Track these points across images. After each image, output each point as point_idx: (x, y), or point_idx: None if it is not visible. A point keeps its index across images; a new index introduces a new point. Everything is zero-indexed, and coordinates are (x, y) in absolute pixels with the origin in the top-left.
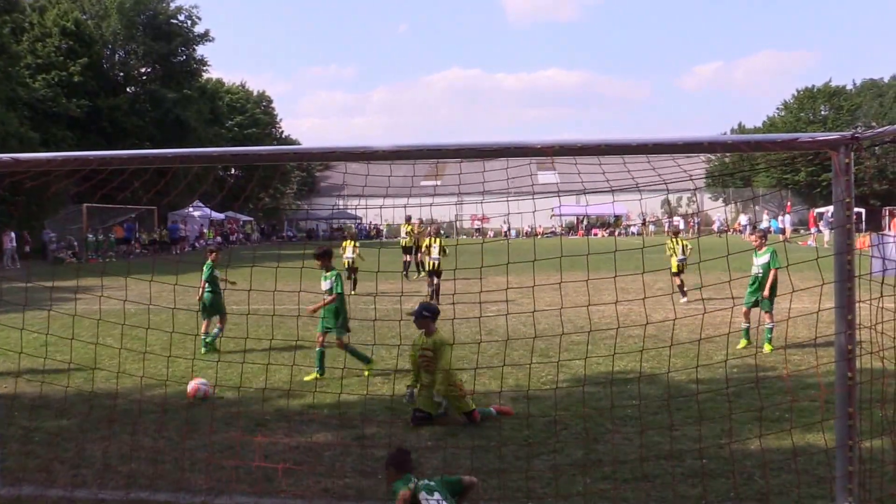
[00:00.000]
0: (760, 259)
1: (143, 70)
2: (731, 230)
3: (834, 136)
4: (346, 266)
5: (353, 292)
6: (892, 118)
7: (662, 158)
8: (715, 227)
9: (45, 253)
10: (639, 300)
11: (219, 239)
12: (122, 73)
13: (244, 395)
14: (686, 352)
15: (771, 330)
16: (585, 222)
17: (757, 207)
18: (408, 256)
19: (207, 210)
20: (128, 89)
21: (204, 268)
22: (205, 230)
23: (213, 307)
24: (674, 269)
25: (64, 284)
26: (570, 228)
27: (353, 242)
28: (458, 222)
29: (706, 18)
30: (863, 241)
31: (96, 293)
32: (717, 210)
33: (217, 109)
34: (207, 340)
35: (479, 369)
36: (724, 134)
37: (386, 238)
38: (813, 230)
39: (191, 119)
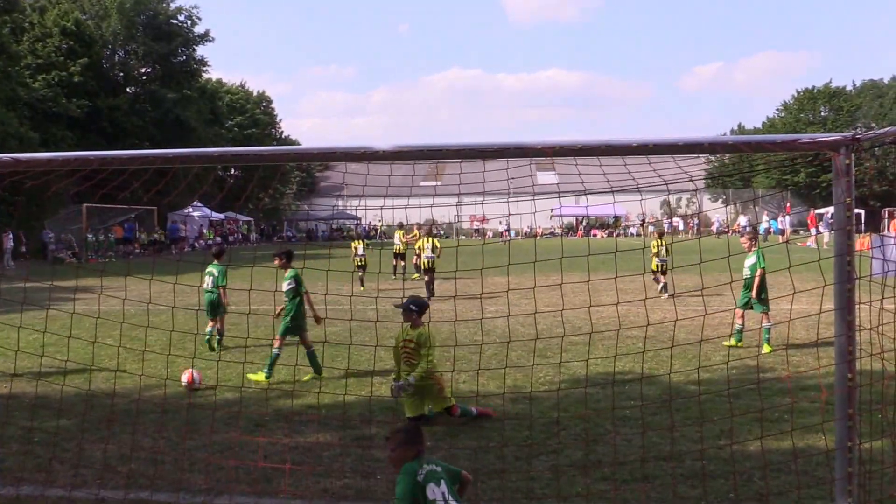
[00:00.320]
0: (749, 260)
1: (143, 70)
2: (731, 231)
3: (835, 137)
4: (357, 265)
5: (361, 288)
6: (893, 119)
7: (663, 159)
8: (714, 227)
9: (45, 253)
10: (637, 301)
11: (219, 239)
12: (122, 74)
13: (244, 395)
14: (684, 352)
15: (769, 330)
16: (585, 223)
17: (757, 208)
18: (400, 261)
19: (207, 210)
20: (128, 89)
21: (217, 271)
22: (204, 230)
23: (218, 307)
24: (653, 268)
25: (63, 284)
26: (570, 229)
27: (362, 241)
28: (457, 223)
29: (707, 19)
30: (863, 242)
31: (96, 293)
32: (716, 211)
33: (217, 110)
34: (217, 338)
35: (480, 370)
36: (724, 135)
37: (387, 239)
38: (813, 231)
39: (191, 119)
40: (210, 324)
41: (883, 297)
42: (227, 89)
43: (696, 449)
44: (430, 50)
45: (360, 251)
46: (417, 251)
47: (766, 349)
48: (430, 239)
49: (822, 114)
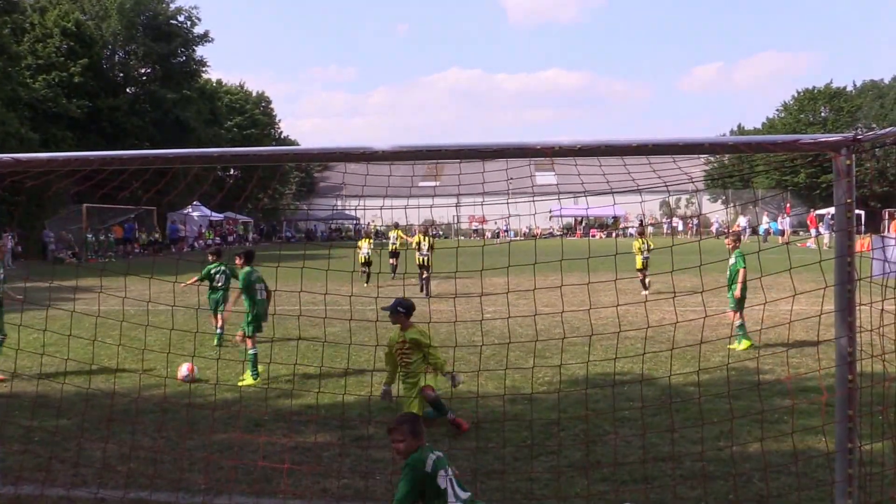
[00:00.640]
0: (731, 260)
1: (142, 71)
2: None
3: (836, 137)
4: (362, 261)
5: (365, 285)
6: (893, 120)
7: (662, 160)
8: (713, 228)
9: (45, 253)
10: (637, 302)
11: (218, 239)
12: (122, 74)
13: (243, 395)
14: (684, 353)
15: (742, 327)
16: (584, 223)
17: (756, 209)
18: (394, 260)
19: (206, 210)
20: (128, 90)
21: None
22: (203, 231)
23: (221, 304)
24: (638, 266)
25: (63, 284)
26: (568, 229)
27: (368, 240)
28: (456, 224)
29: (707, 20)
30: (863, 243)
31: (96, 293)
32: (715, 212)
33: (216, 110)
34: (219, 334)
35: (479, 371)
36: (724, 135)
37: (384, 239)
38: (813, 232)
39: (190, 119)
40: (216, 322)
41: (884, 299)
42: (227, 90)
43: (696, 450)
44: (429, 50)
45: (366, 250)
46: (415, 246)
47: (745, 345)
48: (426, 237)
49: (823, 114)
